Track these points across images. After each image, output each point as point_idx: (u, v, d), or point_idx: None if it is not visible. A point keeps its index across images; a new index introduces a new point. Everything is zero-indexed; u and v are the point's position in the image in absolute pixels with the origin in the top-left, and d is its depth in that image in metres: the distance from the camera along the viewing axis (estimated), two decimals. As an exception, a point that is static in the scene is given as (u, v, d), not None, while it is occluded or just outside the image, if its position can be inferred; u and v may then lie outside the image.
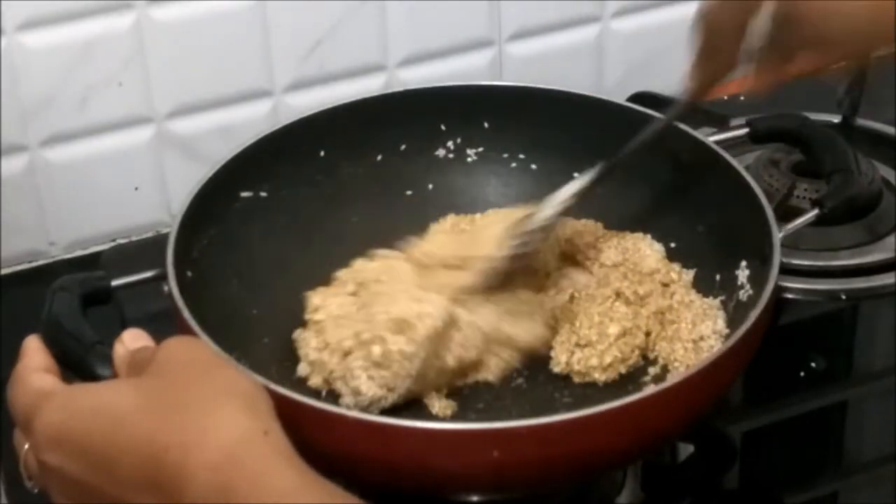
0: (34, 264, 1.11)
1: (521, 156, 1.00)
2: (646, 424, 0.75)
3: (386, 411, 0.82)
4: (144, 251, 1.04)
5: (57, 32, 1.04)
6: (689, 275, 0.92)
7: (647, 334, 0.88)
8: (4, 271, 1.10)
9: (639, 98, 1.06)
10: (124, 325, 0.76)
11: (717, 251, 0.91)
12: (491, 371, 0.87)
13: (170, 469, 0.62)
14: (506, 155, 1.00)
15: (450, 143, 1.00)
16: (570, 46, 1.21)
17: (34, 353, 0.74)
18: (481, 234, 0.91)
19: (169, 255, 0.83)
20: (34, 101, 1.05)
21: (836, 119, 1.15)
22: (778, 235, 0.84)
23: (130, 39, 1.06)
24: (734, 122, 1.04)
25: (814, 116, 1.07)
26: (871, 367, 1.01)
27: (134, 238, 1.12)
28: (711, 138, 0.94)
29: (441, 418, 0.84)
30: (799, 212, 0.92)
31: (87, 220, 1.11)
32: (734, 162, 0.91)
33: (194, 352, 0.70)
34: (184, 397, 0.65)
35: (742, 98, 1.24)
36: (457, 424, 0.80)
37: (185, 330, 0.78)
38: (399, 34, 1.14)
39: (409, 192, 0.99)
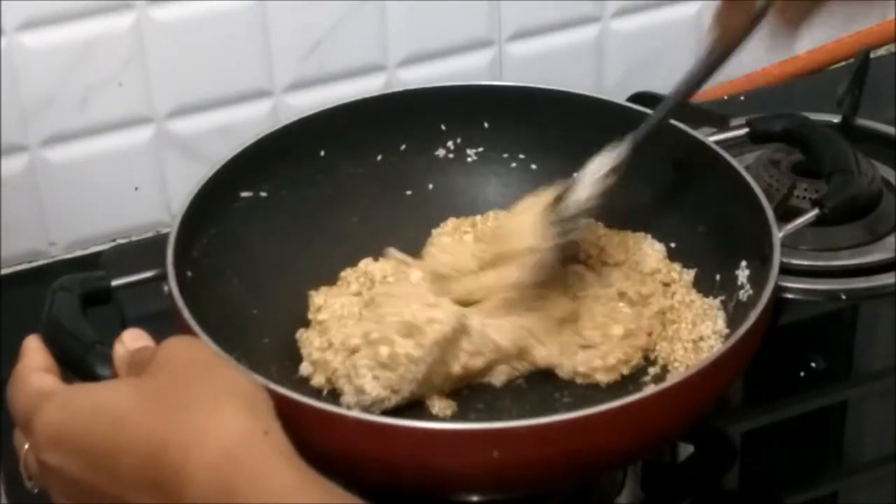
0: (34, 264, 1.11)
1: (521, 156, 1.00)
2: (646, 424, 0.75)
3: (386, 411, 0.82)
4: (144, 251, 1.04)
5: (57, 32, 1.04)
6: (689, 274, 0.92)
7: (650, 334, 0.88)
8: (4, 271, 1.10)
9: (639, 98, 1.06)
10: (124, 325, 0.76)
11: (717, 251, 0.91)
12: (497, 377, 0.87)
13: (170, 469, 0.62)
14: (506, 155, 1.00)
15: (450, 143, 1.00)
16: (570, 46, 1.21)
17: (34, 353, 0.74)
18: (514, 226, 0.89)
19: (169, 255, 0.83)
20: (34, 101, 1.05)
21: (836, 119, 1.15)
22: (778, 235, 0.84)
23: (130, 39, 1.06)
24: (734, 122, 1.04)
25: (814, 116, 1.07)
26: (871, 367, 1.01)
27: (134, 238, 1.12)
28: (711, 138, 0.94)
29: (441, 418, 0.84)
30: (799, 212, 0.92)
31: (87, 220, 1.11)
32: (734, 162, 0.90)
33: (194, 352, 0.70)
34: (184, 397, 0.65)
35: (742, 98, 1.25)
36: (457, 424, 0.80)
37: (185, 330, 0.77)
38: (399, 34, 1.14)
39: (409, 192, 0.99)
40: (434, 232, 0.96)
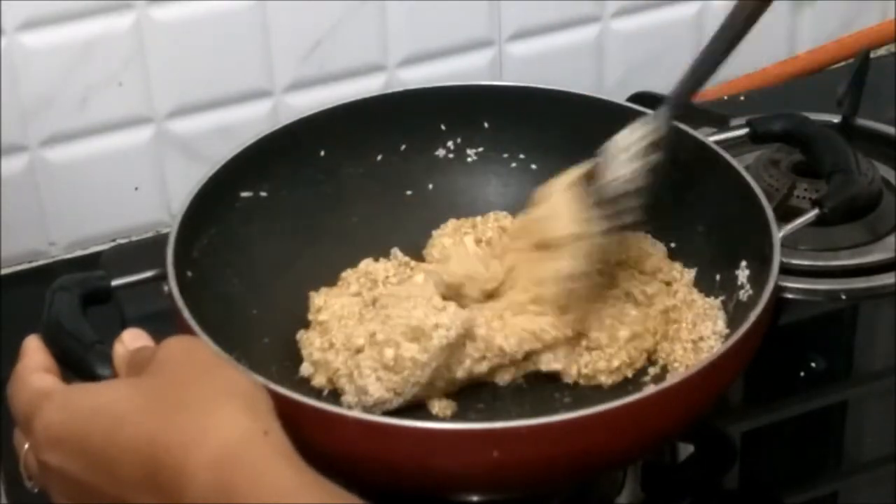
0: (34, 264, 1.11)
1: (521, 156, 1.00)
2: (646, 424, 0.75)
3: (386, 412, 0.82)
4: (144, 251, 1.04)
5: (57, 32, 1.04)
6: (690, 274, 0.92)
7: (654, 335, 0.88)
8: (4, 271, 1.10)
9: (639, 98, 1.06)
10: (124, 325, 0.76)
11: (717, 251, 0.91)
12: (501, 377, 0.86)
13: (170, 469, 0.62)
14: (506, 155, 1.00)
15: (450, 143, 1.00)
16: (570, 46, 1.21)
17: (34, 353, 0.74)
18: (547, 213, 0.87)
19: (169, 255, 0.83)
20: (34, 101, 1.05)
21: (836, 119, 1.15)
22: (778, 235, 0.84)
23: (130, 39, 1.06)
24: (734, 122, 1.05)
25: (814, 116, 1.07)
26: (871, 367, 1.01)
27: (134, 238, 1.12)
28: (711, 138, 0.94)
29: (441, 418, 0.84)
30: (799, 212, 0.92)
31: (87, 220, 1.11)
32: (734, 162, 0.90)
33: (194, 352, 0.70)
34: (184, 397, 0.65)
35: (742, 98, 1.25)
36: (457, 424, 0.80)
37: (185, 330, 0.77)
38: (399, 34, 1.14)
39: (409, 192, 0.99)
40: (434, 234, 0.96)
